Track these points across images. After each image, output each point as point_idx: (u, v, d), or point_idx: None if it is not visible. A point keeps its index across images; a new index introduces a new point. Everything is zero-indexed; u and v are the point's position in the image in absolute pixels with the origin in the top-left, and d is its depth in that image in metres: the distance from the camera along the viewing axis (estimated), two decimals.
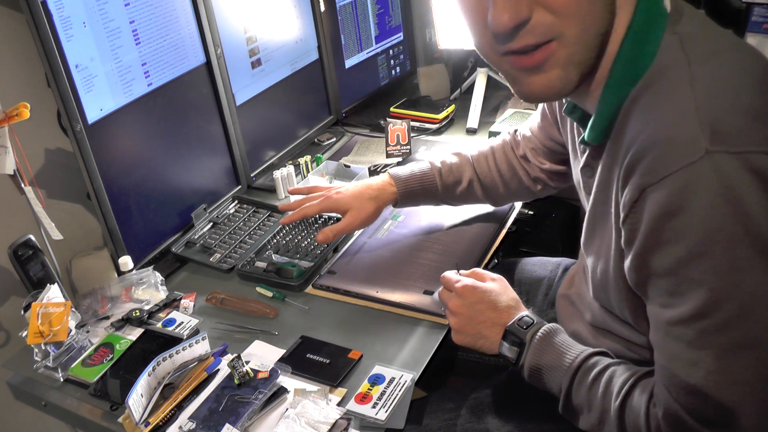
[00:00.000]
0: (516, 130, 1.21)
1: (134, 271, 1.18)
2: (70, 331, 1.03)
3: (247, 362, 0.94)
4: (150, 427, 0.87)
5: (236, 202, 1.44)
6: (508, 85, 0.76)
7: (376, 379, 0.94)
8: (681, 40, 0.68)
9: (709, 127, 0.61)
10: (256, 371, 0.93)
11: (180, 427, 0.87)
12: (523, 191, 1.21)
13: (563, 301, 1.04)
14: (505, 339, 0.89)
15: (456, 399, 1.03)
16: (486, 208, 1.28)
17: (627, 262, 0.71)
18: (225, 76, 1.39)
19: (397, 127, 1.53)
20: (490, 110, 1.79)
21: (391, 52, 1.97)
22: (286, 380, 0.94)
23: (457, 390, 1.05)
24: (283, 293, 1.14)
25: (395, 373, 0.94)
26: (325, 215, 1.32)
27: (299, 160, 1.55)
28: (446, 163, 1.20)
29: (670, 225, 0.63)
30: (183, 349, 0.94)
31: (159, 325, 1.10)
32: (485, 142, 1.24)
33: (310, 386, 0.93)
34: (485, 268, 1.15)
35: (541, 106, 1.12)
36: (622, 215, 0.69)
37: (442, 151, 1.55)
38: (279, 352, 1.01)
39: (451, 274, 0.98)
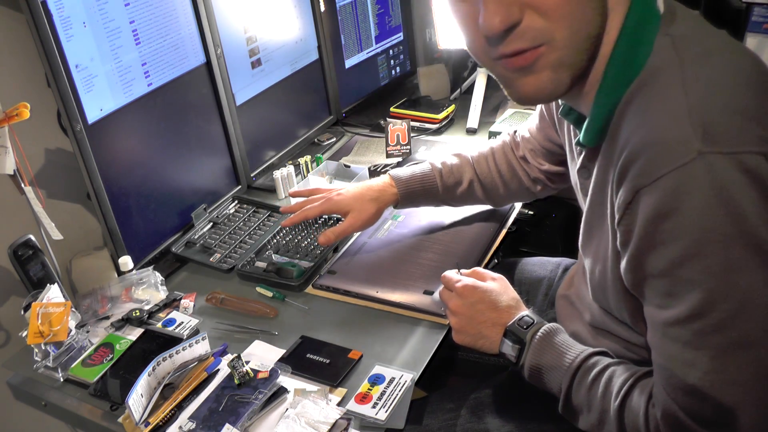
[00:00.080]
0: (515, 131, 1.21)
1: (134, 271, 1.18)
2: (70, 331, 1.03)
3: (247, 362, 0.94)
4: (150, 427, 0.87)
5: (236, 202, 1.44)
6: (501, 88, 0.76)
7: (376, 379, 0.94)
8: (674, 41, 0.69)
9: (702, 128, 0.61)
10: (256, 371, 0.93)
11: (180, 427, 0.87)
12: (524, 192, 1.21)
13: (563, 302, 1.04)
14: (506, 339, 0.89)
15: (456, 399, 1.03)
16: (486, 207, 1.28)
17: (623, 264, 0.71)
18: (225, 76, 1.39)
19: (397, 127, 1.53)
20: (490, 110, 1.79)
21: (391, 52, 1.97)
22: (286, 380, 0.94)
23: (457, 390, 1.05)
24: (283, 293, 1.14)
25: (395, 373, 0.94)
26: (326, 216, 1.32)
27: (299, 160, 1.55)
28: (447, 164, 1.20)
29: (663, 226, 0.63)
30: (183, 349, 0.94)
31: (159, 325, 1.10)
32: (485, 143, 1.24)
33: (310, 386, 0.93)
34: (485, 268, 1.15)
35: (539, 107, 1.12)
36: (617, 217, 0.69)
37: (442, 151, 1.56)
38: (279, 352, 1.01)
39: (451, 274, 0.98)
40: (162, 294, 1.16)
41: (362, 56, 1.86)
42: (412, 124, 1.65)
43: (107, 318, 1.12)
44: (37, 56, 1.03)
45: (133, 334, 1.08)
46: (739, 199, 0.60)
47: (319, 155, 1.62)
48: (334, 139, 1.74)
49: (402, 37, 2.00)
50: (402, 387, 0.92)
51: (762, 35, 1.52)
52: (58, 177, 1.26)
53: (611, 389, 0.77)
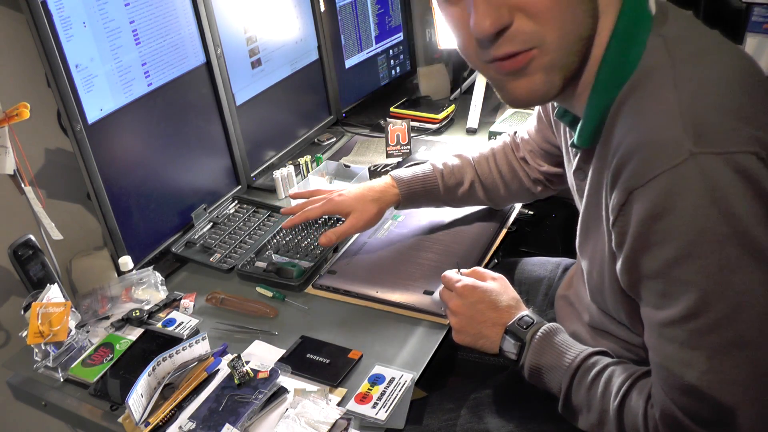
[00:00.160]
0: (515, 132, 1.21)
1: (134, 271, 1.18)
2: (70, 331, 1.03)
3: (247, 362, 0.94)
4: (150, 427, 0.87)
5: (236, 202, 1.44)
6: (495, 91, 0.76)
7: (376, 379, 0.94)
8: (666, 42, 0.69)
9: (693, 129, 0.61)
10: (256, 371, 0.93)
11: (180, 427, 0.87)
12: (524, 193, 1.21)
13: (562, 302, 1.04)
14: (507, 336, 0.89)
15: (456, 399, 1.03)
16: (486, 207, 1.28)
17: (618, 265, 0.71)
18: (225, 76, 1.39)
19: (397, 127, 1.53)
20: (490, 110, 1.79)
21: (391, 52, 1.97)
22: (286, 380, 0.94)
23: (457, 390, 1.06)
24: (283, 293, 1.14)
25: (395, 373, 0.94)
26: (327, 216, 1.32)
27: (299, 160, 1.55)
28: (448, 165, 1.21)
29: (657, 227, 0.63)
30: (183, 349, 0.94)
31: (159, 325, 1.10)
32: (485, 144, 1.24)
33: (310, 386, 0.93)
34: (485, 267, 1.15)
35: (537, 108, 1.12)
36: (611, 218, 0.69)
37: (442, 151, 1.56)
38: (279, 352, 1.01)
39: (451, 274, 0.98)
40: (162, 294, 1.16)
41: (362, 56, 1.86)
42: (412, 124, 1.65)
43: (107, 318, 1.12)
44: (37, 56, 1.03)
45: (133, 334, 1.08)
46: (732, 199, 0.60)
47: (319, 155, 1.62)
48: (334, 139, 1.74)
49: (402, 37, 2.00)
50: (402, 387, 0.92)
51: (762, 35, 1.52)
52: (58, 177, 1.26)
53: (611, 389, 0.77)
